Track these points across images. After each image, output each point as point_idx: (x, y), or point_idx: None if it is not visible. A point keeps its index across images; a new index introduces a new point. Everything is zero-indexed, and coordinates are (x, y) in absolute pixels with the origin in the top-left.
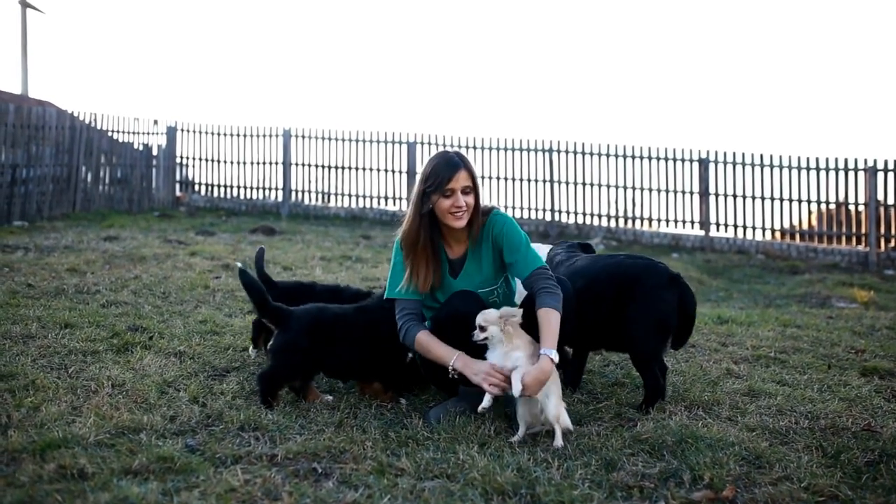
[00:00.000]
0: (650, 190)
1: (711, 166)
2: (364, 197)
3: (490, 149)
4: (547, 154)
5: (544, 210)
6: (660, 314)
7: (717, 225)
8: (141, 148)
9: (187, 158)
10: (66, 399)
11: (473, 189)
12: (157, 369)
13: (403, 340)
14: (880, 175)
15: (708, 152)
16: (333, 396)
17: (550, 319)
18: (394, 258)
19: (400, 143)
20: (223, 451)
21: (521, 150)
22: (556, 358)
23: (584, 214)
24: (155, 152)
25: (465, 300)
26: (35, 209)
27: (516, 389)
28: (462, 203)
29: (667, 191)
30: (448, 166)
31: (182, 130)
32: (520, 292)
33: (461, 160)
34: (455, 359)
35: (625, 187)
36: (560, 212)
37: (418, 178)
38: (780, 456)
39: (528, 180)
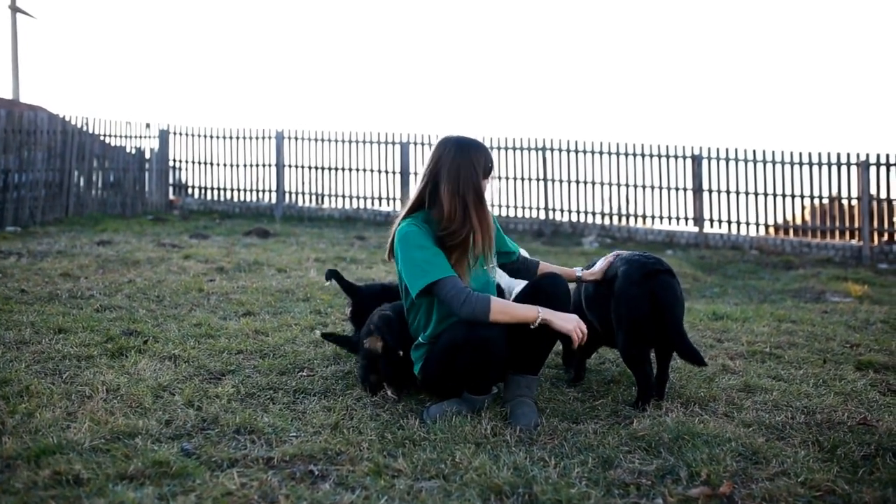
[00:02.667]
0: (644, 187)
1: (704, 162)
2: (358, 198)
3: None
4: (540, 152)
5: (538, 208)
6: (628, 310)
7: (711, 221)
8: (133, 151)
9: (180, 161)
10: (60, 405)
11: None
12: (152, 373)
13: (474, 310)
14: (872, 169)
15: (701, 149)
16: (328, 398)
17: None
18: (415, 247)
19: (393, 143)
20: (219, 455)
21: (514, 148)
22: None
23: (578, 212)
24: (147, 156)
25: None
26: (28, 214)
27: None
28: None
29: (660, 187)
30: (489, 150)
31: (174, 133)
32: (506, 286)
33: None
34: (541, 310)
35: (618, 185)
36: (554, 210)
37: (470, 170)
38: (777, 451)
39: (522, 179)
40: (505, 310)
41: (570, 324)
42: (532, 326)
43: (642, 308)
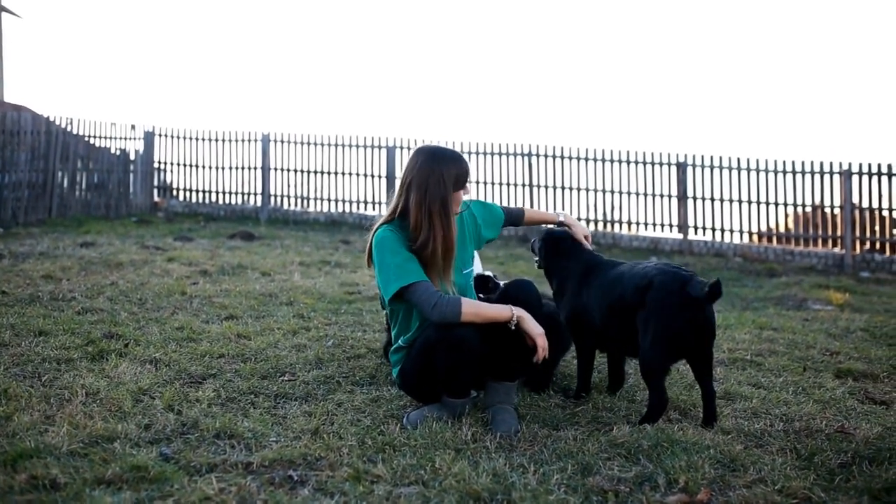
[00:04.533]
0: (629, 193)
1: (689, 170)
2: (343, 202)
3: (468, 153)
4: (525, 158)
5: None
6: (664, 321)
7: (696, 228)
8: (118, 153)
9: (165, 163)
10: (38, 408)
11: None
12: (132, 377)
13: (445, 313)
14: (855, 178)
15: (686, 156)
16: (309, 403)
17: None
18: (389, 252)
19: (379, 147)
20: (198, 460)
21: (499, 154)
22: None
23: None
24: (132, 157)
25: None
26: (10, 215)
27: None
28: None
29: (645, 194)
30: (465, 162)
31: (160, 135)
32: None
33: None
34: (515, 309)
35: (603, 191)
36: None
37: (439, 182)
38: (755, 458)
39: (507, 184)
40: (476, 311)
41: (539, 329)
42: (511, 326)
43: (679, 321)
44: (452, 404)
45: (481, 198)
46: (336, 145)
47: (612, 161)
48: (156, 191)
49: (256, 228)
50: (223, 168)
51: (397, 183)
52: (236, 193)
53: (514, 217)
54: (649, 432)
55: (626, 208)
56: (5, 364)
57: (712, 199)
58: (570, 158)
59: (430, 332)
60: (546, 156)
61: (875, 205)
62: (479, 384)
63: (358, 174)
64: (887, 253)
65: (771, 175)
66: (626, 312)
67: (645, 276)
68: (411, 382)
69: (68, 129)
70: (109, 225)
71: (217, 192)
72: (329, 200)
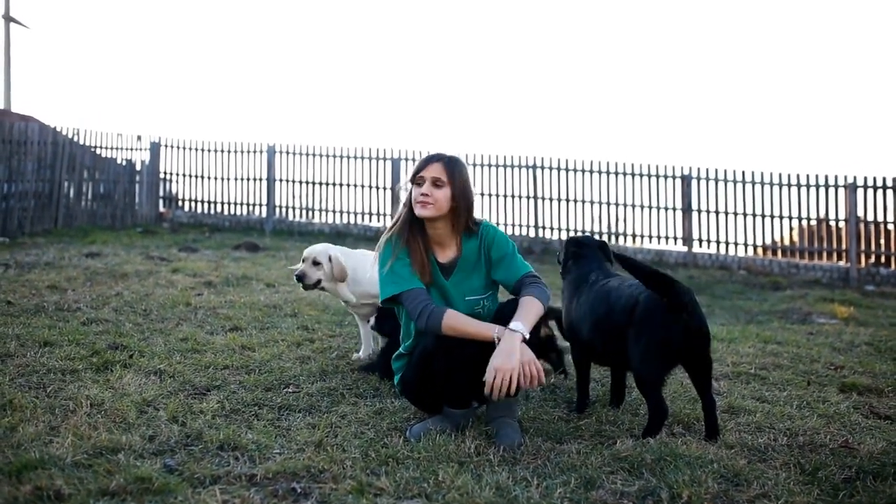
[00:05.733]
0: (633, 206)
1: (694, 183)
2: (348, 213)
3: (474, 165)
4: (531, 170)
5: (528, 226)
6: (653, 330)
7: (700, 241)
8: (124, 163)
9: (171, 174)
10: (43, 419)
11: (448, 186)
12: (137, 388)
13: (427, 324)
14: (860, 191)
15: (690, 169)
16: (313, 415)
17: (531, 303)
18: (384, 259)
19: (384, 159)
20: (202, 472)
21: (504, 166)
22: (526, 333)
23: (568, 230)
24: (138, 168)
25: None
26: (16, 225)
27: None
28: (427, 192)
29: (650, 207)
30: (424, 159)
31: (166, 146)
32: None
33: (441, 157)
34: (499, 331)
35: (608, 203)
36: (544, 227)
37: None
38: (759, 473)
39: (512, 196)
40: (456, 325)
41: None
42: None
43: (667, 328)
44: (454, 415)
45: (486, 210)
46: (341, 157)
47: (616, 174)
48: (161, 201)
49: (261, 239)
50: (228, 179)
51: (403, 194)
52: (241, 204)
53: (514, 290)
54: (652, 446)
55: (630, 221)
56: (10, 375)
57: (717, 212)
58: (576, 171)
59: (429, 340)
60: (551, 168)
61: (880, 218)
62: (481, 395)
63: (363, 186)
64: (892, 266)
65: (776, 188)
66: (616, 330)
67: (631, 297)
68: (412, 390)
69: (75, 139)
70: (115, 235)
71: (222, 203)
72: (334, 212)
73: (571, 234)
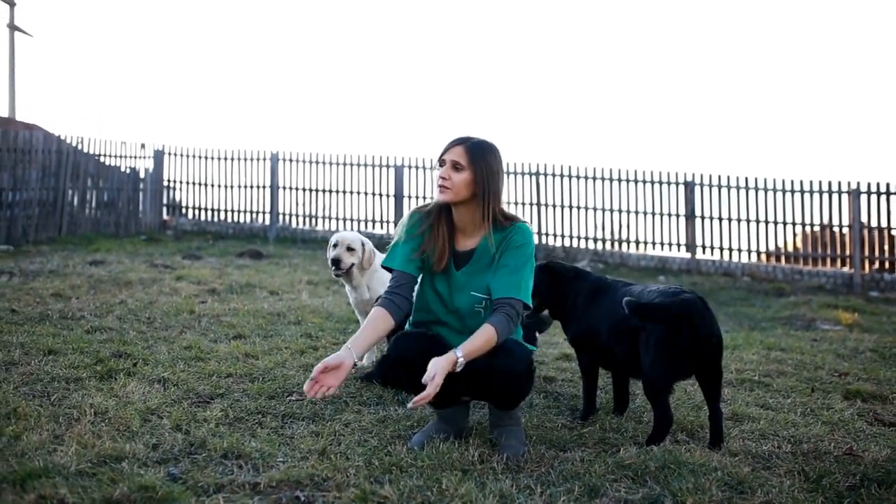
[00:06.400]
0: (637, 213)
1: (697, 189)
2: (351, 220)
3: None
4: (534, 177)
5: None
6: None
7: (704, 247)
8: (128, 171)
9: (174, 182)
10: (47, 427)
11: (468, 170)
12: (141, 396)
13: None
14: (864, 197)
15: (693, 175)
16: (317, 423)
17: (485, 334)
18: (399, 230)
19: (388, 166)
20: (205, 480)
21: (508, 173)
22: (461, 363)
23: (571, 237)
24: (142, 176)
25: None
26: (20, 233)
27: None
28: (446, 175)
29: (653, 213)
30: (450, 142)
31: (169, 154)
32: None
33: (464, 140)
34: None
35: (611, 210)
36: (547, 234)
37: None
38: (763, 481)
39: (516, 203)
40: (366, 320)
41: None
42: (456, 369)
43: (680, 335)
44: (442, 415)
45: None
46: (344, 164)
47: (620, 180)
48: (165, 209)
49: (265, 247)
50: (232, 186)
51: (412, 199)
52: (245, 212)
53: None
54: (656, 454)
55: (633, 227)
56: (15, 383)
57: (720, 219)
58: (579, 177)
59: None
60: (554, 175)
61: (884, 224)
62: (466, 390)
63: (366, 193)
64: None
65: (779, 194)
66: (635, 333)
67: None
68: (392, 361)
69: (79, 147)
70: (119, 243)
71: (226, 211)
72: (338, 219)
73: (567, 240)
